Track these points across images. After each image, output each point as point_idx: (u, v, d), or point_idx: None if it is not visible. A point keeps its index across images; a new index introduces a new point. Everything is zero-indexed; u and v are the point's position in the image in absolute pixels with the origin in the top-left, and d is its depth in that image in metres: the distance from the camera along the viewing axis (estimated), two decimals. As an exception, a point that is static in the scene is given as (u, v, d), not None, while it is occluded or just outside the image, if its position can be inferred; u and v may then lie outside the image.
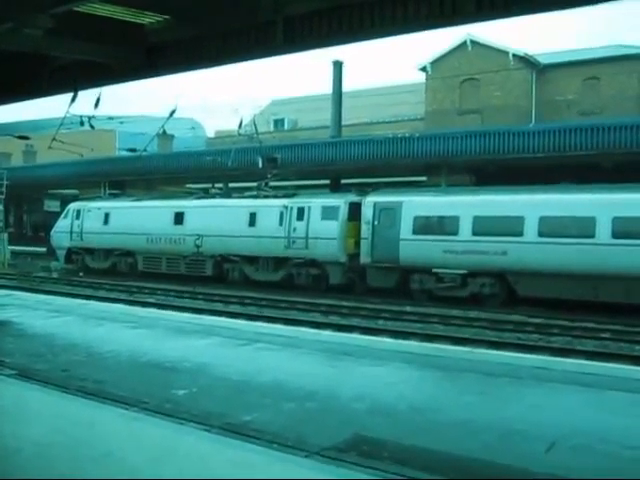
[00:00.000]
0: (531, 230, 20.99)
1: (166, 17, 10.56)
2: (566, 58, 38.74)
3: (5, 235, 36.27)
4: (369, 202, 24.51)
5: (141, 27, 10.98)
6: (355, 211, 24.95)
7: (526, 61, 38.78)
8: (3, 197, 35.31)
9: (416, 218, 23.30)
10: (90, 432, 5.85)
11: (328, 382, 7.49)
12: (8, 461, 5.20)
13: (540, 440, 5.50)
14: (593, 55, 37.51)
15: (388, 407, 6.51)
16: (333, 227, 25.06)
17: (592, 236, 19.89)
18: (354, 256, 24.74)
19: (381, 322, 19.00)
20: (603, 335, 16.90)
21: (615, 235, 19.62)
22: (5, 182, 35.01)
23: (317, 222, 25.44)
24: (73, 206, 34.72)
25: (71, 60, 12.52)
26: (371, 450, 5.27)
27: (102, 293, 25.09)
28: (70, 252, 34.24)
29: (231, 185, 34.36)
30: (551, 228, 20.62)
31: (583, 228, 20.02)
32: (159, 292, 25.76)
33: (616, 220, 19.71)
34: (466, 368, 8.36)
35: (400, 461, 5.06)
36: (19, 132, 38.64)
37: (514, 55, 38.06)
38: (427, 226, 23.15)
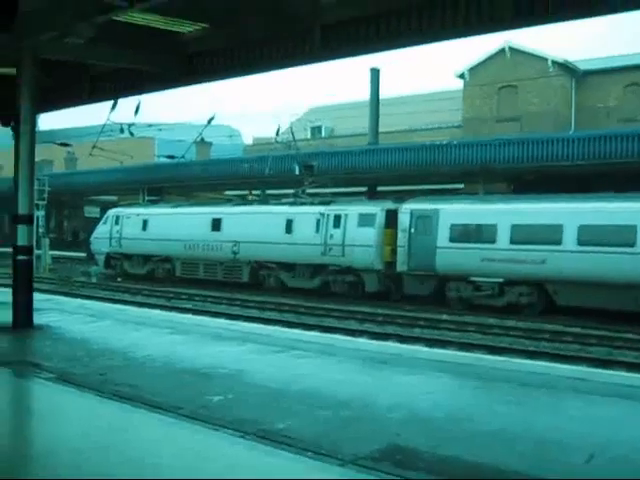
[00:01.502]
0: (570, 239, 20.72)
1: (204, 25, 10.66)
2: (607, 64, 38.26)
3: (47, 240, 36.90)
4: (406, 209, 24.43)
5: (180, 35, 11.11)
6: (392, 218, 24.87)
7: (565, 68, 38.39)
8: (45, 203, 35.91)
9: (453, 226, 23.16)
10: (125, 436, 5.90)
11: (363, 390, 7.45)
12: (42, 463, 5.27)
13: (578, 451, 5.41)
14: (634, 61, 36.95)
15: (423, 416, 6.46)
16: (370, 234, 25.01)
17: (633, 245, 19.57)
18: (390, 263, 24.66)
19: (417, 330, 18.91)
20: (644, 346, 16.61)
21: (657, 244, 19.28)
22: (47, 188, 35.61)
23: (354, 229, 25.42)
24: (112, 212, 35.19)
25: (111, 68, 12.71)
26: (406, 460, 5.22)
27: (140, 298, 25.35)
28: (109, 257, 34.68)
29: (268, 192, 34.53)
30: (591, 237, 20.33)
31: (623, 237, 19.69)
32: (196, 298, 25.95)
33: (658, 229, 19.37)
34: (502, 378, 8.26)
35: (435, 471, 5.02)
36: (61, 139, 39.32)
37: (553, 62, 37.69)
38: (464, 234, 22.98)
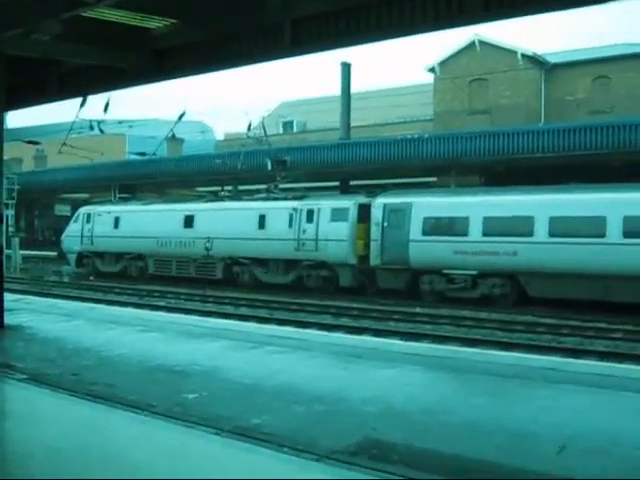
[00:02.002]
0: (541, 230, 20.92)
1: (173, 21, 10.57)
2: (575, 57, 38.62)
3: (16, 240, 36.47)
4: (378, 203, 24.48)
5: (149, 31, 11.00)
6: (365, 213, 24.93)
7: (535, 61, 38.69)
8: (14, 202, 35.49)
9: (426, 219, 23.26)
10: (100, 436, 5.86)
11: (339, 385, 7.47)
12: (19, 466, 5.23)
13: (552, 442, 5.47)
14: (602, 54, 37.35)
15: (399, 409, 6.49)
16: (343, 229, 25.05)
17: (603, 235, 19.81)
18: (364, 258, 24.72)
19: (392, 324, 18.97)
20: (615, 335, 16.84)
21: (626, 234, 19.53)
22: (16, 187, 35.19)
23: (327, 224, 25.44)
24: (83, 210, 34.87)
25: (80, 65, 12.56)
26: (382, 453, 5.25)
27: (112, 296, 25.16)
28: (81, 256, 34.38)
29: (240, 188, 34.43)
30: (561, 228, 20.55)
31: (594, 228, 19.93)
32: (169, 295, 25.82)
33: (627, 219, 19.62)
34: (477, 370, 8.33)
35: (411, 464, 5.05)
36: (29, 137, 38.85)
37: (523, 55, 37.96)
38: (437, 227, 23.12)
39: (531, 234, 21.05)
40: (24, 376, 7.86)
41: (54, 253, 40.15)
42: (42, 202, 49.62)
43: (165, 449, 5.59)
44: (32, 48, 10.98)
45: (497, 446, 5.43)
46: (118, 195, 38.52)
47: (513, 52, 38.03)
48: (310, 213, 25.96)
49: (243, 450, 5.40)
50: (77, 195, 44.97)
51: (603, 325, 17.94)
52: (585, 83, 37.37)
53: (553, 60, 39.21)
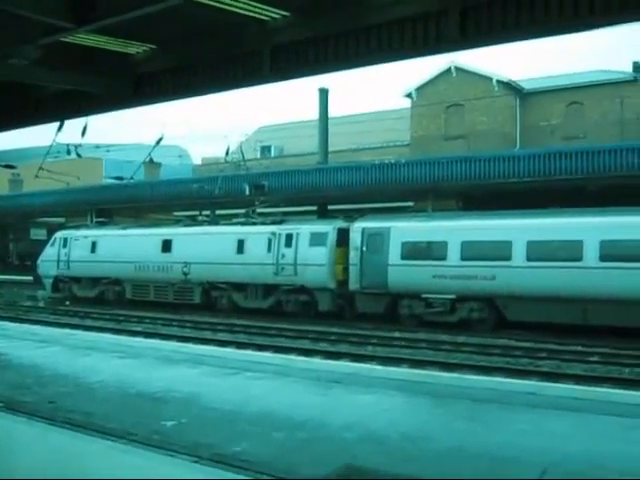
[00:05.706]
0: (519, 254, 21.06)
1: (152, 47, 10.60)
2: (550, 83, 39.23)
3: (-9, 264, 36.10)
4: (357, 228, 24.55)
5: (128, 57, 11.02)
6: (343, 237, 24.96)
7: (510, 87, 39.23)
8: (-11, 226, 35.19)
9: (404, 243, 23.35)
10: (79, 465, 5.78)
11: (318, 411, 7.43)
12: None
13: (532, 467, 5.46)
14: (576, 80, 37.98)
15: (379, 435, 6.46)
16: (322, 253, 25.05)
17: (580, 259, 19.98)
18: (343, 282, 24.71)
19: (370, 348, 18.96)
20: (592, 359, 16.94)
21: (602, 258, 19.72)
22: (-9, 211, 34.91)
23: (305, 248, 25.44)
24: (60, 234, 34.61)
25: (58, 89, 12.53)
26: (363, 480, 5.22)
27: (89, 322, 24.93)
28: (57, 281, 34.06)
29: (218, 212, 34.37)
30: (539, 252, 20.70)
31: (571, 252, 20.10)
32: (147, 320, 25.63)
33: (603, 243, 19.81)
34: (456, 394, 8.32)
35: (392, 491, 5.02)
36: (5, 161, 38.57)
37: (498, 81, 38.50)
38: (415, 251, 23.19)
39: (509, 258, 21.18)
40: (-1, 404, 7.74)
41: (30, 277, 39.73)
42: (17, 226, 49.21)
43: (144, 477, 5.51)
44: (9, 73, 10.93)
45: (479, 471, 5.42)
46: (95, 219, 38.28)
47: (489, 78, 38.56)
48: (289, 238, 25.96)
49: (223, 478, 5.34)
50: (53, 219, 44.64)
51: (580, 348, 18.05)
52: (559, 109, 37.93)
53: (528, 86, 39.80)
